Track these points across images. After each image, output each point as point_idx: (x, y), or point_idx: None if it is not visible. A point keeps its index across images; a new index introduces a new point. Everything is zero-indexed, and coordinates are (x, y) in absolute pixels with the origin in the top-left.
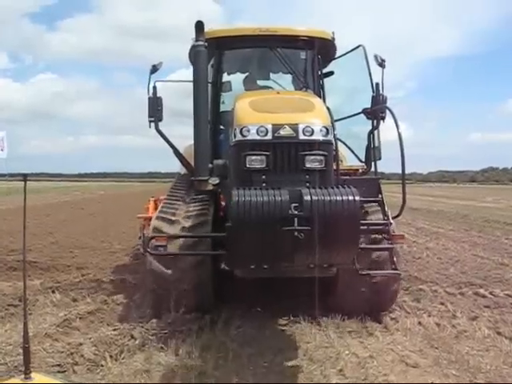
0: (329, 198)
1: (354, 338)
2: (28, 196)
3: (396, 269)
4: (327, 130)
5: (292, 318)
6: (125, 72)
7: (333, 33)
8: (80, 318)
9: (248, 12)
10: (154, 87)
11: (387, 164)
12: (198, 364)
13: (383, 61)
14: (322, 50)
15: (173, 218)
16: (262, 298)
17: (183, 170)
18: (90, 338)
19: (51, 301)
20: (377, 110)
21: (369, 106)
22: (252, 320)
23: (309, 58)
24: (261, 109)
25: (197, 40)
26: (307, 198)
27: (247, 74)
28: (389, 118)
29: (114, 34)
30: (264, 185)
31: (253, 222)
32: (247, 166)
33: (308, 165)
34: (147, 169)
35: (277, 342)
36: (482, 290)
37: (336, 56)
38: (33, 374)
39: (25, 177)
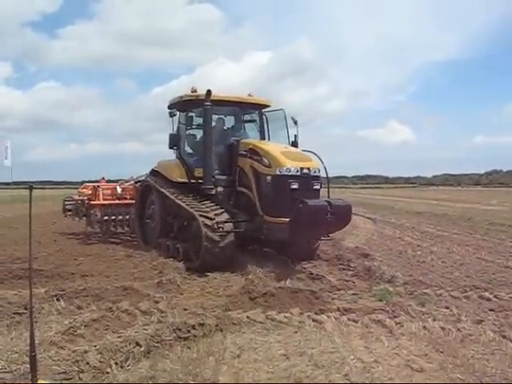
0: (342, 204)
1: (359, 343)
2: (33, 204)
3: (329, 236)
4: (319, 170)
5: (297, 324)
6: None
7: (270, 100)
8: (85, 326)
9: (251, 18)
10: (178, 128)
11: (392, 166)
12: (202, 371)
13: (296, 121)
14: (264, 109)
15: (211, 214)
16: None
17: (179, 179)
18: (95, 346)
19: (56, 308)
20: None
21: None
22: (256, 326)
23: (259, 114)
24: (290, 158)
25: (206, 101)
26: (334, 203)
27: (221, 120)
28: (395, 123)
29: (115, 41)
30: (297, 197)
31: (314, 213)
32: (291, 187)
33: (314, 187)
34: None
35: (281, 347)
36: (486, 294)
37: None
38: (39, 382)
39: (30, 187)
